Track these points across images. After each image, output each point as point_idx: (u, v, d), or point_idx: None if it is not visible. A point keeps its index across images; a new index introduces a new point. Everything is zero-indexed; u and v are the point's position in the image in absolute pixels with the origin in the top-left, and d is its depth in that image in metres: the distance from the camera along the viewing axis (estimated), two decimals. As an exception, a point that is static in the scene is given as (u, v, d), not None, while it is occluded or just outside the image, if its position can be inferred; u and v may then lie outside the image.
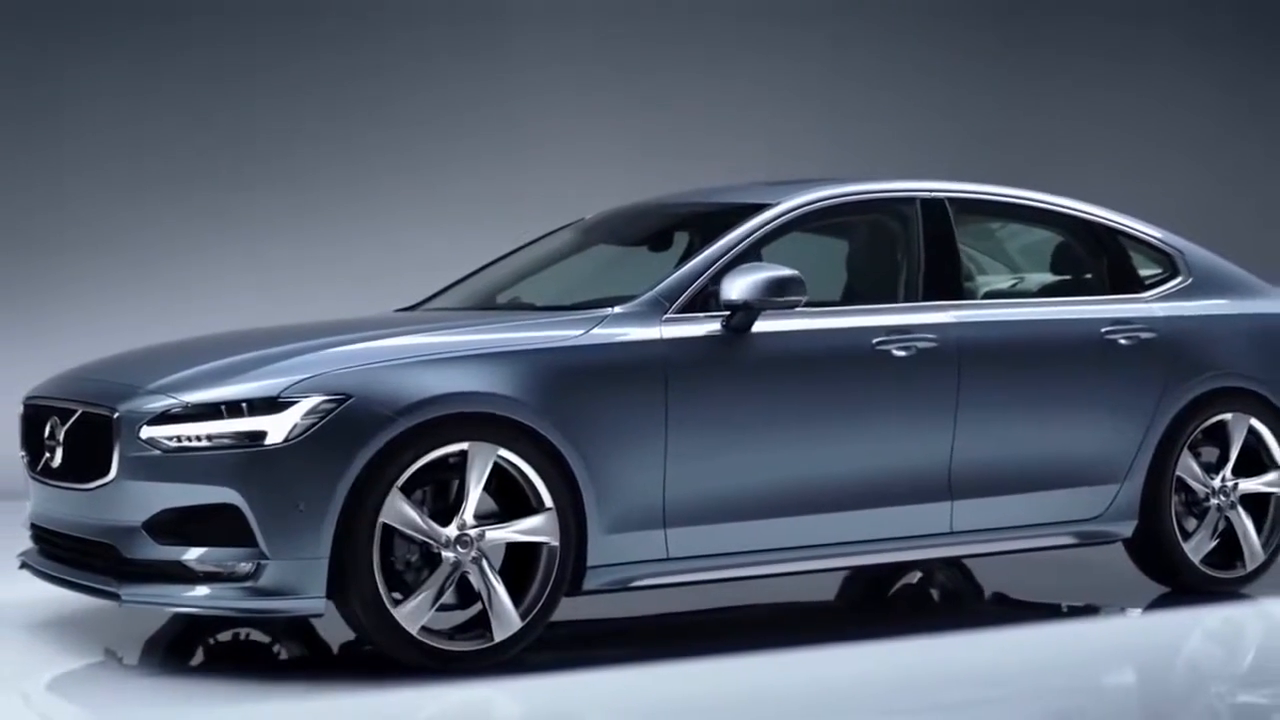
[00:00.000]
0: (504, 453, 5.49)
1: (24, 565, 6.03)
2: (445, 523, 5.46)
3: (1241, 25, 13.06)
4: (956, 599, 7.43)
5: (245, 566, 5.29)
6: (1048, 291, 6.95)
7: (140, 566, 5.40)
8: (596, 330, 5.78)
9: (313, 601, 5.31)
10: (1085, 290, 6.94)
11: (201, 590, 5.33)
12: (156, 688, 5.55)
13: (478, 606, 5.54)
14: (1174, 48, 12.88)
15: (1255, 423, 6.94)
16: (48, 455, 5.80)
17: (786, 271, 5.88)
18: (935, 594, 7.49)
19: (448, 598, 5.49)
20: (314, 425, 5.29)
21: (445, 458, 5.46)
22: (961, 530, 6.35)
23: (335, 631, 5.84)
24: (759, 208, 6.30)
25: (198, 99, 10.95)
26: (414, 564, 5.48)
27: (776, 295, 5.86)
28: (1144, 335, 6.76)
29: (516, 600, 5.54)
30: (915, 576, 7.53)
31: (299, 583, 5.27)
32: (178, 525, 5.35)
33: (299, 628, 6.23)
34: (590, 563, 5.65)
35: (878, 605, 7.28)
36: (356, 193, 11.17)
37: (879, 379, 6.17)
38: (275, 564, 5.26)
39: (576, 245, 7.03)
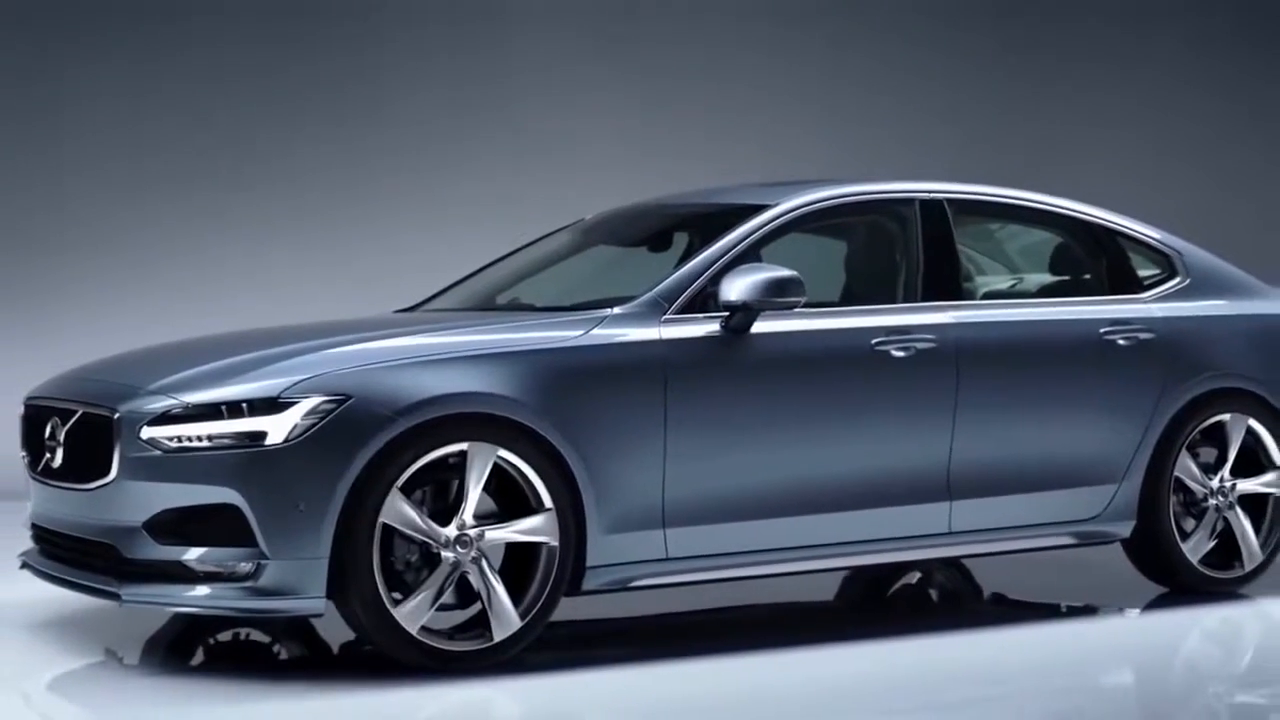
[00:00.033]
0: (503, 453, 5.50)
1: (25, 565, 6.04)
2: (445, 523, 5.47)
3: (1240, 28, 13.06)
4: (955, 599, 7.44)
5: (245, 566, 5.30)
6: (1046, 292, 6.96)
7: (141, 566, 5.41)
8: (596, 331, 5.79)
9: (313, 601, 5.32)
10: (1084, 291, 6.95)
11: (202, 590, 5.34)
12: (157, 687, 5.55)
13: (477, 606, 5.55)
14: (1173, 51, 12.88)
15: (1253, 423, 6.96)
16: (48, 455, 5.81)
17: (785, 272, 5.90)
18: (934, 594, 7.50)
19: (447, 598, 5.50)
20: (314, 425, 5.30)
21: (445, 458, 5.47)
22: (960, 530, 6.36)
23: (335, 631, 5.85)
24: (758, 209, 6.31)
25: (198, 99, 10.95)
26: (414, 564, 5.49)
27: (775, 296, 5.87)
28: (1142, 336, 6.77)
29: (516, 600, 5.55)
30: (914, 577, 7.54)
31: (299, 583, 5.28)
32: (178, 525, 5.36)
33: (299, 628, 6.24)
34: (589, 563, 5.66)
35: (877, 605, 7.29)
36: (356, 194, 11.18)
37: (878, 379, 6.18)
38: (275, 564, 5.27)
39: (576, 246, 7.04)
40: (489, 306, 6.70)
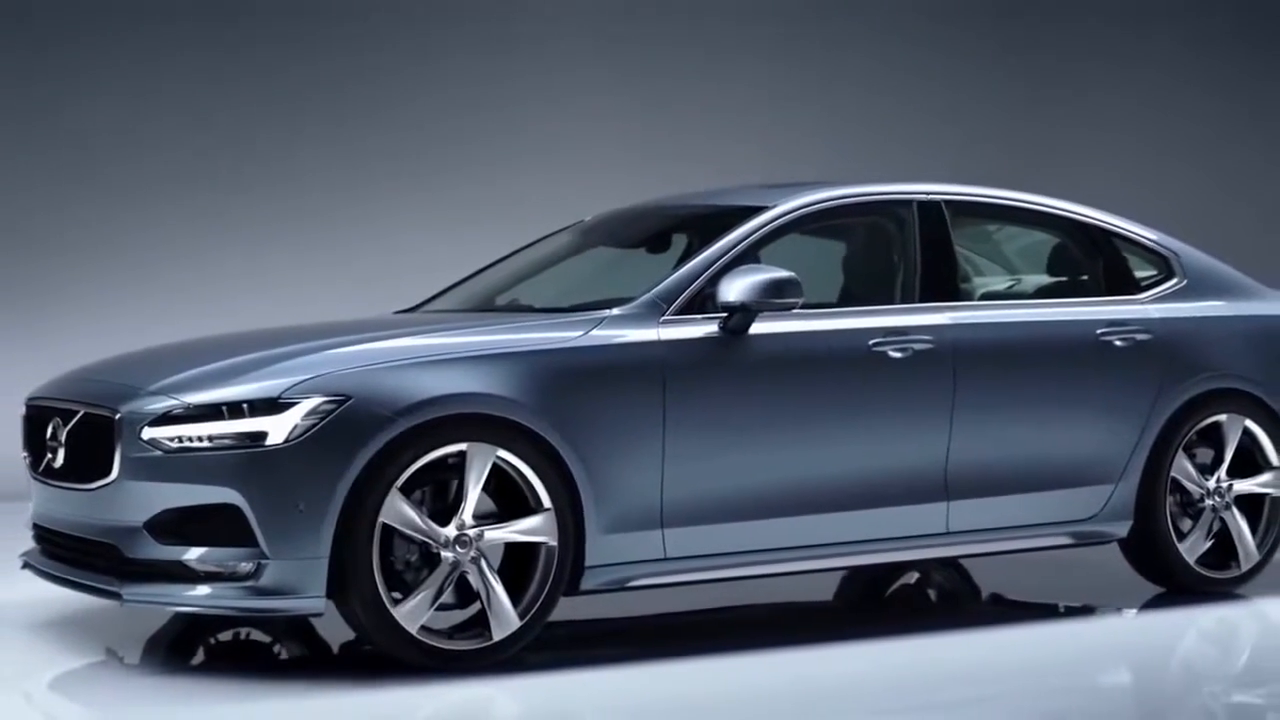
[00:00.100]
0: (503, 453, 5.52)
1: (26, 565, 6.06)
2: (444, 523, 5.49)
3: (1240, 29, 13.08)
4: (953, 599, 7.46)
5: (246, 566, 5.32)
6: (1044, 293, 6.98)
7: (141, 566, 5.43)
8: (595, 332, 5.81)
9: (313, 601, 5.34)
10: (1081, 292, 6.96)
11: (202, 590, 5.36)
12: (158, 687, 5.57)
13: (476, 606, 5.56)
14: (1173, 51, 12.91)
15: (1250, 424, 6.97)
16: (50, 456, 5.83)
17: (783, 273, 5.92)
18: (932, 594, 7.51)
19: (447, 597, 5.52)
20: (314, 426, 5.32)
21: (444, 458, 5.48)
22: (957, 530, 6.38)
23: (335, 631, 5.87)
24: (756, 210, 6.33)
25: (198, 100, 10.96)
26: (413, 564, 5.50)
27: (774, 297, 5.89)
28: (1139, 337, 6.79)
29: (515, 600, 5.57)
30: (912, 577, 7.55)
31: (299, 582, 5.30)
32: (179, 525, 5.37)
33: (299, 627, 6.26)
34: (588, 563, 5.68)
35: (875, 605, 7.30)
36: (356, 195, 11.19)
37: (875, 380, 6.20)
38: (276, 564, 5.29)
39: (575, 247, 7.06)
40: (488, 307, 6.71)
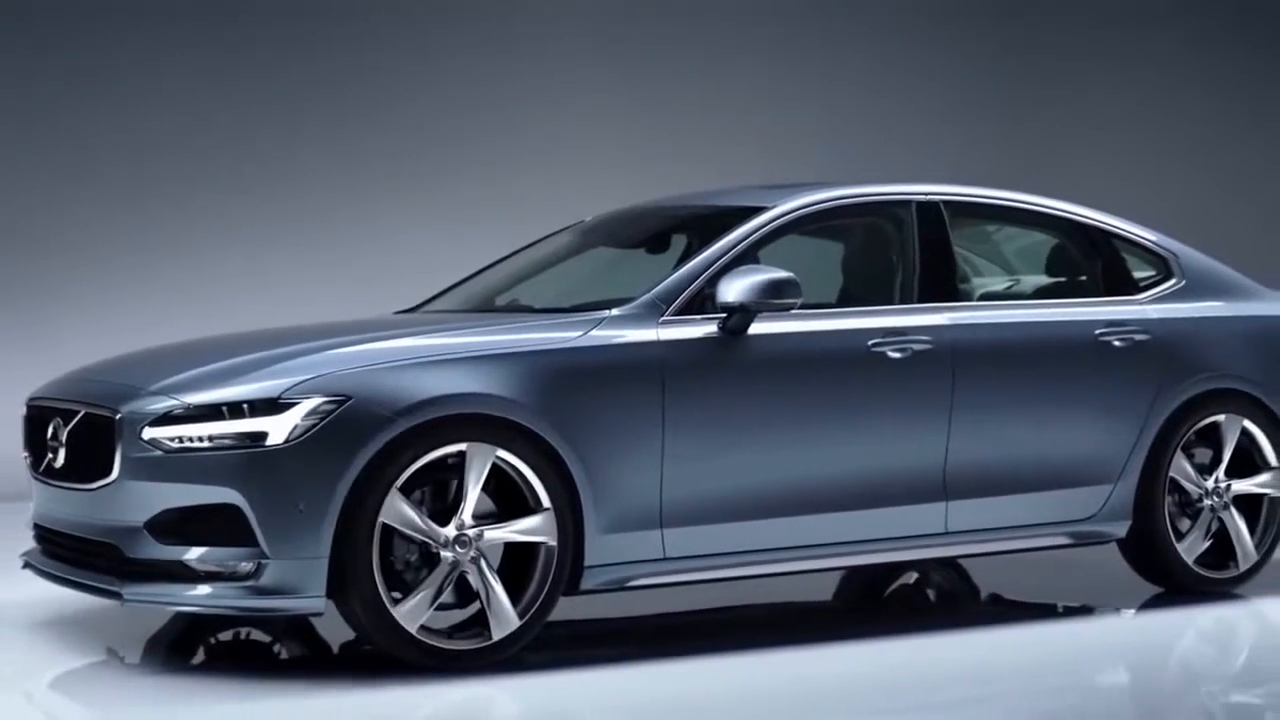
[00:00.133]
0: (502, 453, 5.54)
1: (27, 565, 6.07)
2: (444, 523, 5.50)
3: (1239, 30, 13.09)
4: (952, 599, 7.47)
5: (246, 566, 5.33)
6: (1042, 294, 6.99)
7: (142, 566, 5.44)
8: (594, 332, 5.82)
9: (313, 601, 5.35)
10: (1080, 292, 6.97)
11: (203, 589, 5.37)
12: (158, 686, 5.58)
13: (476, 606, 5.58)
14: (1172, 52, 12.92)
15: (1248, 424, 6.98)
16: (50, 456, 5.84)
17: (782, 274, 5.93)
18: (931, 594, 7.52)
19: (446, 597, 5.53)
20: (314, 426, 5.33)
21: (444, 458, 5.50)
22: (956, 530, 6.39)
23: (335, 630, 5.88)
24: (756, 210, 6.34)
25: (198, 100, 10.97)
26: (413, 563, 5.51)
27: (772, 297, 5.90)
28: (1138, 337, 6.80)
29: (514, 599, 5.58)
30: (911, 577, 7.56)
31: (299, 582, 5.32)
32: (179, 525, 5.39)
33: (299, 627, 6.27)
34: (587, 562, 5.69)
35: (874, 605, 7.31)
36: (356, 195, 11.20)
37: (874, 380, 6.21)
38: (276, 563, 5.30)
39: (575, 248, 7.07)
40: (488, 308, 6.72)
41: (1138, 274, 7.09)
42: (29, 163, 10.71)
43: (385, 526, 5.39)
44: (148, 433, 5.41)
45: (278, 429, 5.33)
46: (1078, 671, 5.93)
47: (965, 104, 12.43)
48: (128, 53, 10.89)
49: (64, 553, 5.84)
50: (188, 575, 5.39)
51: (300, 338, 5.82)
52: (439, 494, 5.58)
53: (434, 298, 7.10)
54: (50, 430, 5.83)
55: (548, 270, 6.94)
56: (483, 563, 5.53)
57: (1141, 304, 6.94)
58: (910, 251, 6.52)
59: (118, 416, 5.48)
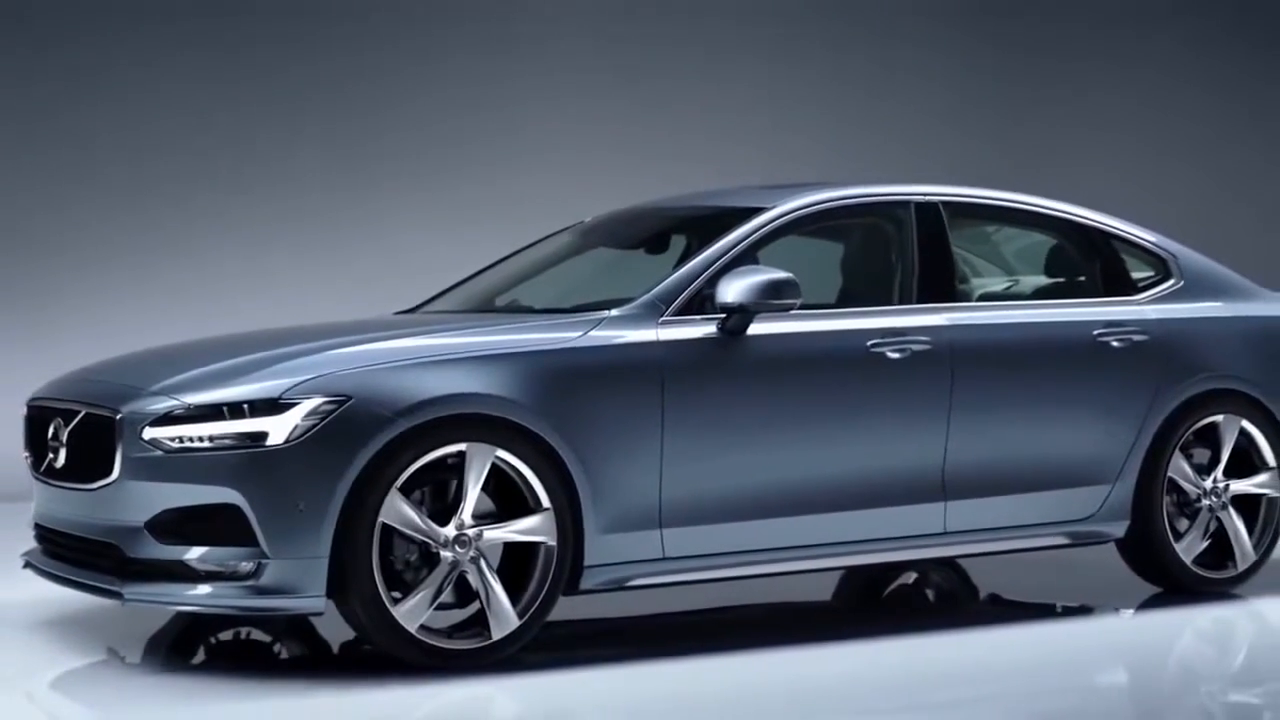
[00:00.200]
0: (502, 453, 5.55)
1: (28, 565, 6.08)
2: (444, 522, 5.51)
3: (1239, 30, 13.10)
4: (951, 599, 7.47)
5: (246, 566, 5.34)
6: (1041, 294, 7.00)
7: (142, 566, 5.45)
8: (594, 332, 5.83)
9: (313, 600, 5.36)
10: (1078, 293, 6.98)
11: (203, 589, 5.39)
12: (159, 686, 5.59)
13: (476, 605, 5.59)
14: (1172, 52, 12.92)
15: (1246, 424, 6.99)
16: (51, 456, 5.85)
17: (781, 274, 5.94)
18: (930, 594, 7.53)
19: (446, 597, 5.54)
20: (314, 426, 5.34)
21: (444, 458, 5.51)
22: (955, 531, 6.40)
23: (335, 630, 5.89)
24: (755, 211, 6.35)
25: (198, 101, 10.97)
26: (413, 563, 5.52)
27: (772, 298, 5.91)
28: (1136, 337, 6.81)
29: (514, 599, 5.59)
30: (910, 577, 7.57)
31: (299, 582, 5.33)
32: (180, 525, 5.40)
33: (299, 626, 6.28)
34: (587, 562, 5.70)
35: (873, 605, 7.32)
36: (357, 196, 11.20)
37: (873, 381, 6.22)
38: (276, 563, 5.31)
39: (575, 248, 7.08)
40: (488, 308, 6.73)
41: (1136, 274, 7.10)
42: (29, 163, 10.71)
43: (385, 526, 5.40)
44: (148, 433, 5.42)
45: (278, 429, 5.34)
46: (1076, 671, 5.94)
47: (965, 104, 12.44)
48: (128, 53, 10.89)
49: (65, 553, 5.85)
50: (188, 575, 5.40)
51: (300, 338, 5.83)
52: (439, 494, 5.59)
53: (434, 298, 7.11)
54: (51, 430, 5.84)
55: (547, 271, 6.95)
56: (482, 562, 5.54)
57: (1140, 304, 6.95)
58: (909, 252, 6.53)
59: (118, 416, 5.49)
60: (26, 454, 6.09)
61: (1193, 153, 12.87)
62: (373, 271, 10.93)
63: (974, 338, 6.44)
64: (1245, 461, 7.03)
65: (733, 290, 5.90)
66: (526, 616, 5.60)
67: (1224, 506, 6.94)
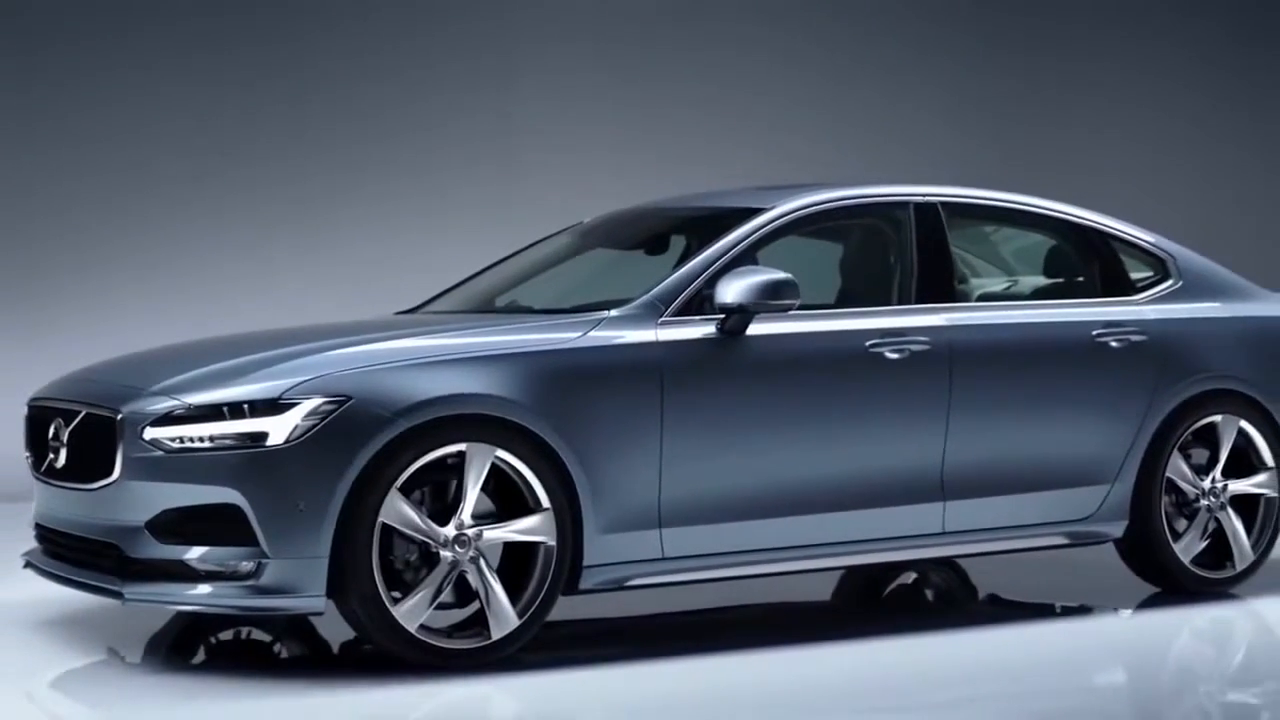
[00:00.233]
0: (501, 453, 5.55)
1: (28, 564, 6.09)
2: (443, 522, 5.52)
3: (1240, 31, 13.11)
4: (949, 599, 7.48)
5: (246, 565, 5.35)
6: (1040, 294, 7.01)
7: (143, 565, 5.46)
8: (593, 333, 5.83)
9: (313, 600, 5.37)
10: (1077, 293, 6.99)
11: (203, 589, 5.39)
12: (159, 685, 5.60)
13: (475, 605, 5.60)
14: (1172, 53, 12.93)
15: (1245, 424, 7.00)
16: (52, 456, 5.86)
17: (781, 275, 5.94)
18: (928, 594, 7.54)
19: (446, 596, 5.55)
20: (315, 426, 5.35)
21: (444, 458, 5.52)
22: (954, 530, 6.41)
23: (335, 630, 5.90)
24: (754, 212, 6.35)
25: (198, 101, 10.98)
26: (413, 563, 5.53)
27: (771, 298, 5.91)
28: (1135, 338, 6.82)
29: (514, 599, 5.60)
30: (909, 577, 7.57)
31: (299, 581, 5.33)
32: (180, 525, 5.40)
33: (299, 626, 6.28)
34: (586, 562, 5.71)
35: (872, 605, 7.33)
36: (357, 197, 11.20)
37: (872, 381, 6.22)
38: (276, 563, 5.32)
39: (574, 249, 7.09)
40: (488, 309, 6.74)
41: (1135, 275, 7.10)
42: (29, 163, 10.71)
43: (385, 526, 5.41)
44: (149, 433, 5.43)
45: (278, 429, 5.35)
46: (1075, 671, 5.94)
47: (965, 104, 12.45)
48: (128, 53, 10.89)
49: (65, 552, 5.86)
50: (188, 575, 5.41)
51: (300, 338, 5.84)
52: (438, 494, 5.60)
53: (434, 298, 7.12)
54: (52, 430, 5.85)
55: (547, 271, 6.96)
56: (482, 562, 5.55)
57: (1139, 305, 6.96)
58: (908, 252, 6.54)
59: (119, 416, 5.50)
60: (27, 454, 6.10)
61: (1192, 153, 12.87)
62: (373, 271, 10.93)
63: (973, 338, 6.45)
64: (1244, 461, 7.03)
65: (732, 291, 5.91)
66: (526, 616, 5.61)
67: (1222, 507, 6.95)
